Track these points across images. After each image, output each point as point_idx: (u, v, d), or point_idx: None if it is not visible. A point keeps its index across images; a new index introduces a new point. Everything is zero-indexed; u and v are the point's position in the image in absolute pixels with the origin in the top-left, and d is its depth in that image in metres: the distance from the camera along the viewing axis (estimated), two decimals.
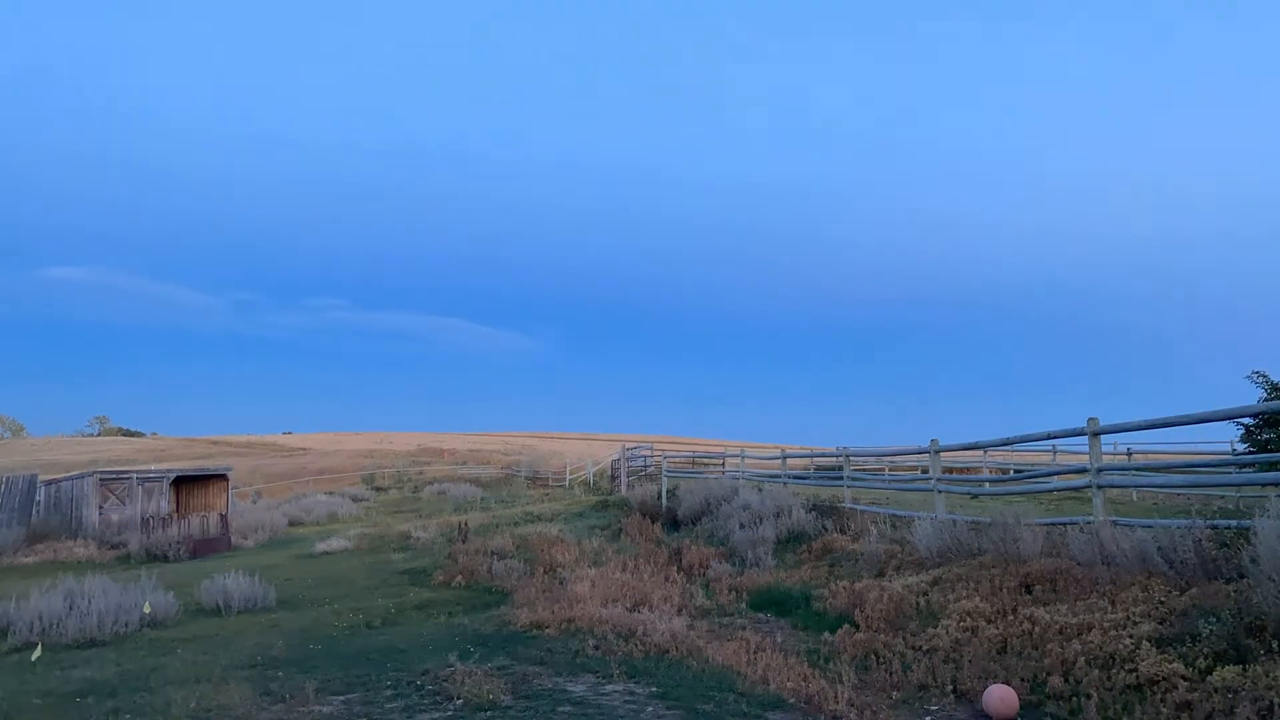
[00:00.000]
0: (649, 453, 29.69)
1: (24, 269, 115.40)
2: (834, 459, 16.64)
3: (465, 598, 9.55)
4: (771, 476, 16.12)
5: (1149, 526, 6.38)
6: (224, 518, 20.17)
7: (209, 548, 17.97)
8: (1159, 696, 4.15)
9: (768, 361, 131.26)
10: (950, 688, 4.97)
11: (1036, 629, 5.36)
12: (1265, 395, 12.12)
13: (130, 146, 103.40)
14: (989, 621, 5.77)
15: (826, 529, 11.25)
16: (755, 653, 6.02)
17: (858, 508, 11.83)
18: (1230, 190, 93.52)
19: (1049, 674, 4.76)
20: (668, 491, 17.22)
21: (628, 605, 7.85)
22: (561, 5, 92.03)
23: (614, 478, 27.39)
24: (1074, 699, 4.42)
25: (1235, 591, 4.87)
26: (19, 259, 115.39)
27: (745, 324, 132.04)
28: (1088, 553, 6.44)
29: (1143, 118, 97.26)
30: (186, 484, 22.69)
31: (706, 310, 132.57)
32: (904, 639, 6.00)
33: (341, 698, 5.26)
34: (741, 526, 12.11)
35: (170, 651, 7.13)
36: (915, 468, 20.55)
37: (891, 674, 5.33)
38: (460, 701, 5.03)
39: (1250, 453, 12.04)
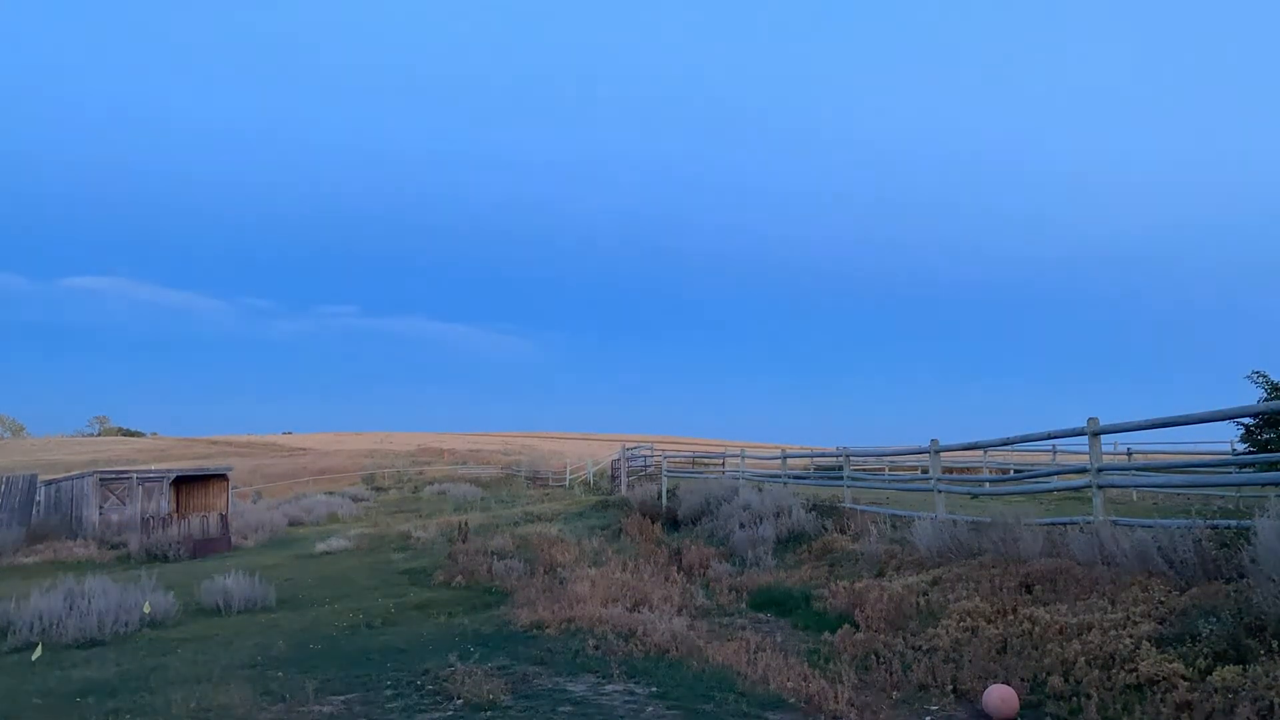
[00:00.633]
0: (649, 453, 29.70)
1: (46, 278, 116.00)
2: (834, 459, 16.65)
3: (465, 598, 9.55)
4: (771, 476, 16.12)
5: (1149, 526, 6.38)
6: (224, 518, 20.17)
7: (209, 548, 17.96)
8: (1159, 696, 4.15)
9: (767, 361, 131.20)
10: (950, 688, 4.97)
11: (1036, 629, 5.36)
12: (1265, 395, 12.12)
13: (150, 156, 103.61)
14: (989, 621, 5.77)
15: (826, 529, 11.25)
16: (755, 653, 6.02)
17: (858, 508, 11.83)
18: (1230, 188, 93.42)
19: (1049, 674, 4.76)
20: (668, 491, 17.22)
21: (628, 605, 7.85)
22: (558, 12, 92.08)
23: (614, 478, 27.40)
24: (1074, 699, 4.42)
25: (1235, 591, 4.87)
26: (42, 268, 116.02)
27: (745, 323, 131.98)
28: (1088, 553, 6.44)
29: (1137, 112, 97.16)
30: (186, 484, 22.69)
31: (706, 309, 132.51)
32: (904, 639, 6.00)
33: (341, 698, 5.26)
34: (741, 526, 12.11)
35: (170, 651, 7.13)
36: (915, 468, 20.55)
37: (891, 674, 5.33)
38: (460, 701, 5.03)
39: (1250, 453, 12.04)
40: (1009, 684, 4.66)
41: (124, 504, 20.44)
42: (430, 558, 12.82)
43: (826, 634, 6.62)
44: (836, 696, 4.84)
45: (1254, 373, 12.55)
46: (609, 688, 5.33)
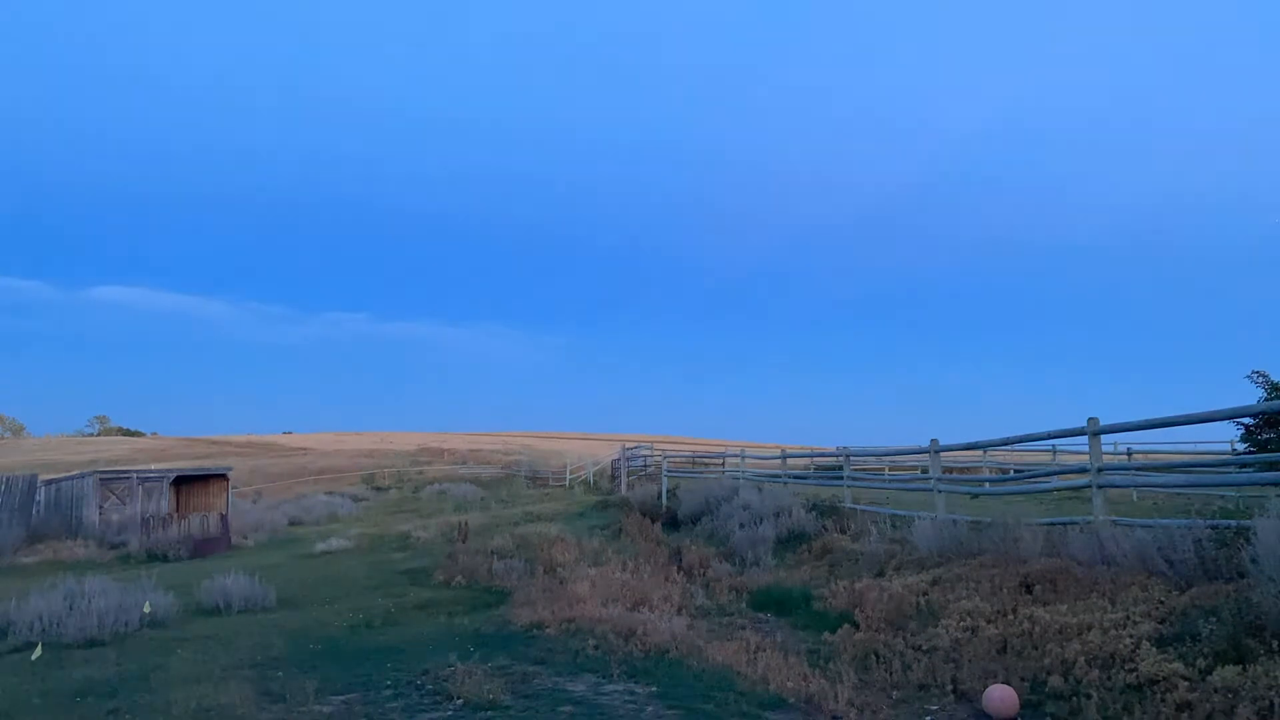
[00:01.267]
0: (649, 453, 29.70)
1: (72, 289, 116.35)
2: (834, 459, 16.65)
3: (465, 598, 9.55)
4: (771, 476, 16.12)
5: (1149, 526, 6.38)
6: (224, 518, 20.17)
7: (209, 548, 17.96)
8: (1159, 696, 4.15)
9: (768, 360, 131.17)
10: (950, 687, 4.97)
11: (1036, 629, 5.35)
12: (1265, 395, 12.13)
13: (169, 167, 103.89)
14: (989, 621, 5.77)
15: (826, 529, 11.25)
16: (755, 653, 6.02)
17: (858, 508, 11.83)
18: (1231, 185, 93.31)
19: (1049, 674, 4.76)
20: (668, 491, 17.22)
21: (628, 605, 7.85)
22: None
23: (614, 478, 27.40)
24: (1074, 699, 4.42)
25: (1235, 591, 4.87)
26: (68, 279, 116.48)
27: (745, 323, 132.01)
28: (1088, 553, 6.44)
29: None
30: (186, 484, 22.69)
31: (707, 310, 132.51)
32: (904, 639, 6.00)
33: (341, 698, 5.27)
34: (741, 526, 12.11)
35: (170, 651, 7.13)
36: (915, 468, 20.54)
37: (891, 674, 5.33)
38: (460, 701, 5.03)
39: (1250, 452, 12.05)
40: (1009, 684, 4.66)
41: (124, 504, 20.44)
42: (430, 558, 12.82)
43: (826, 634, 6.62)
44: (836, 696, 4.85)
45: (1254, 372, 12.57)
46: (609, 688, 5.34)
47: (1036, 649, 5.13)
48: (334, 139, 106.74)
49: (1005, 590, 6.32)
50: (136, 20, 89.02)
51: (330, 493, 31.32)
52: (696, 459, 28.61)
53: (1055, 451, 20.84)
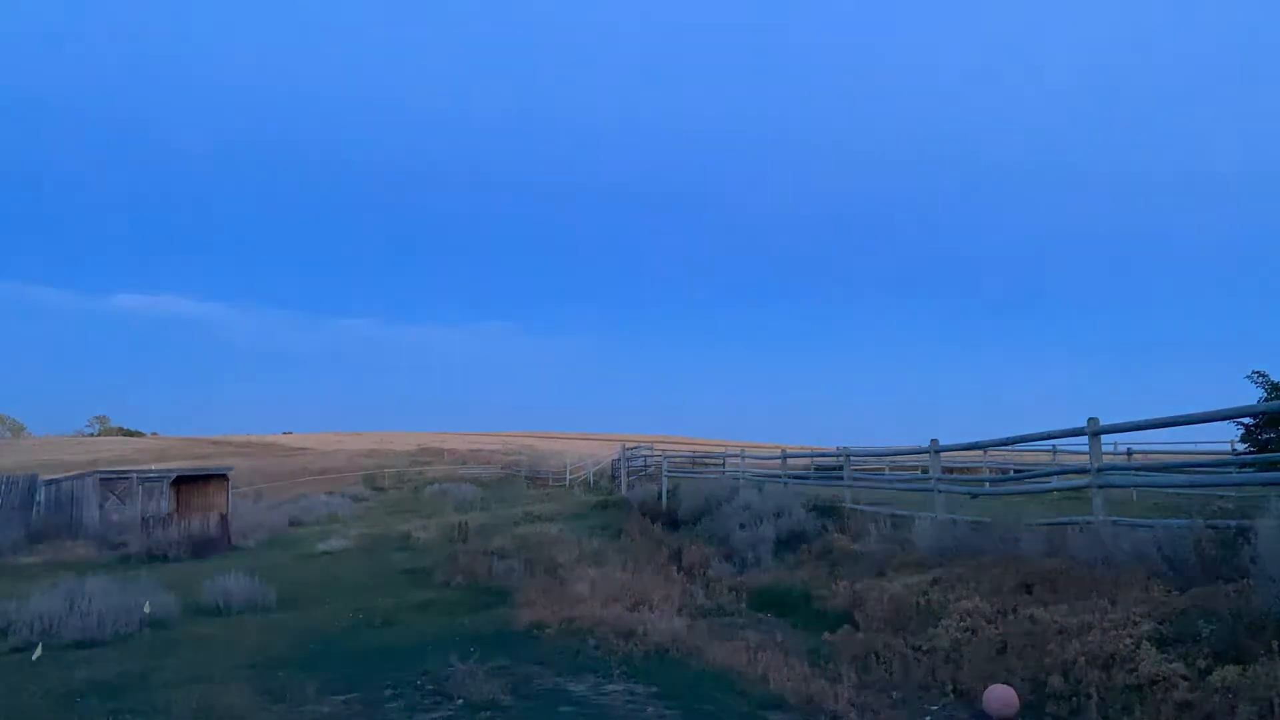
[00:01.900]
0: (649, 453, 29.69)
1: (94, 296, 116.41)
2: (834, 459, 16.65)
3: (465, 598, 9.55)
4: (772, 476, 16.12)
5: (1149, 526, 6.38)
6: (224, 518, 20.17)
7: (209, 548, 17.95)
8: (1159, 696, 4.15)
9: (768, 360, 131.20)
10: (950, 688, 4.97)
11: (1037, 629, 5.35)
12: (1265, 395, 12.13)
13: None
14: (989, 621, 5.77)
15: (827, 529, 11.25)
16: (755, 653, 6.02)
17: (858, 508, 11.82)
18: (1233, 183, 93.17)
19: (1049, 674, 4.76)
20: (668, 491, 17.22)
21: (628, 605, 7.86)
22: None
23: (614, 478, 27.40)
24: (1074, 699, 4.43)
25: (1235, 591, 4.87)
26: (90, 286, 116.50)
27: (744, 322, 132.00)
28: (1088, 553, 6.44)
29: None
30: (186, 484, 22.69)
31: (707, 309, 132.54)
32: (904, 639, 6.00)
33: (341, 697, 5.27)
34: (741, 526, 12.11)
35: (171, 651, 7.14)
36: (915, 467, 20.53)
37: (892, 674, 5.33)
38: (460, 701, 5.04)
39: (1250, 453, 12.05)
40: (1009, 684, 4.66)
41: (124, 504, 20.44)
42: (431, 558, 12.82)
43: (826, 634, 6.62)
44: (836, 696, 4.85)
45: (1254, 373, 12.58)
46: (609, 687, 5.34)
47: (1037, 649, 5.13)
48: (333, 139, 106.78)
49: (1005, 590, 6.32)
50: (137, 26, 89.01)
51: (330, 493, 31.29)
52: (696, 459, 28.60)
53: (1055, 451, 20.83)
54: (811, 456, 21.46)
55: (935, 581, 7.16)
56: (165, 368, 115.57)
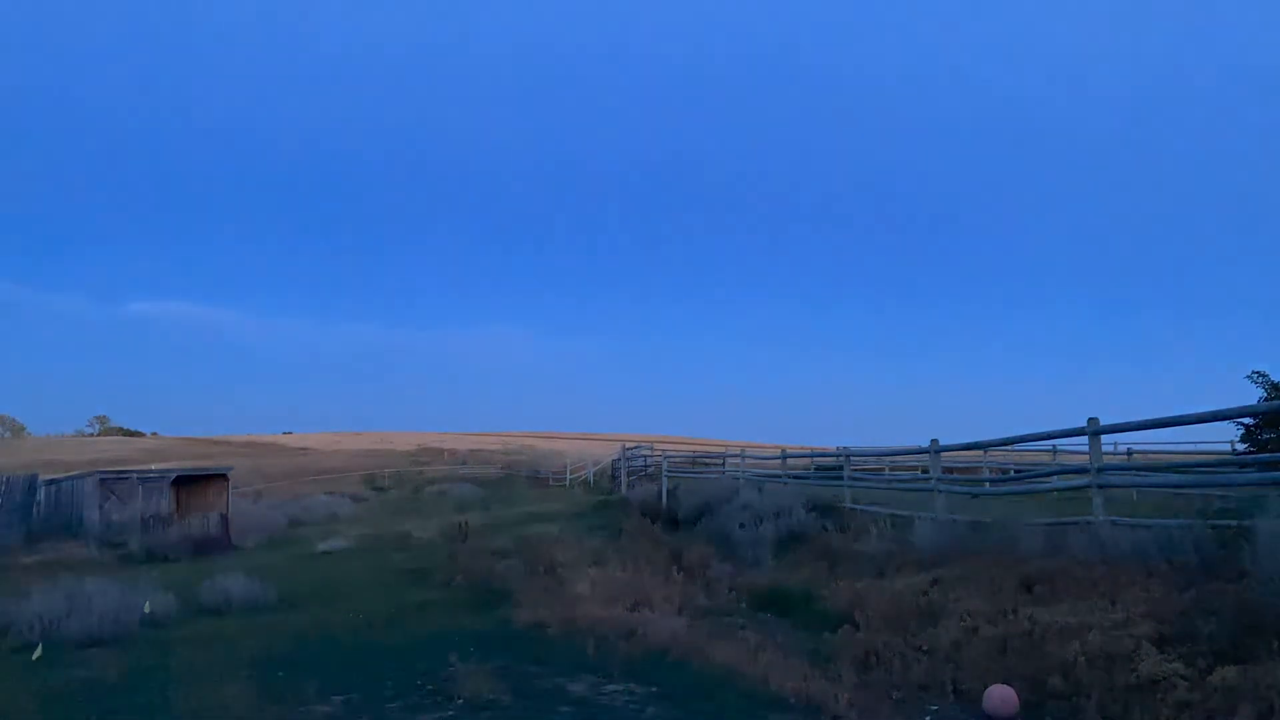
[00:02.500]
0: (649, 453, 29.67)
1: (110, 303, 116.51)
2: (834, 459, 16.64)
3: (466, 598, 9.55)
4: (771, 476, 16.12)
5: (1149, 526, 6.38)
6: (224, 518, 20.17)
7: (209, 548, 17.95)
8: (1159, 696, 4.15)
9: (768, 360, 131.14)
10: (950, 688, 4.97)
11: (1036, 629, 5.35)
12: (1265, 395, 12.13)
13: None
14: (989, 621, 5.77)
15: (827, 529, 11.25)
16: (755, 653, 6.02)
17: (858, 508, 11.82)
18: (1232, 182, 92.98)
19: (1049, 674, 4.76)
20: (668, 491, 17.22)
21: (628, 605, 7.86)
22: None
23: (614, 478, 27.41)
24: (1074, 699, 4.43)
25: (1235, 591, 4.87)
26: (106, 294, 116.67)
27: (744, 322, 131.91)
28: (1088, 553, 6.44)
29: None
30: (187, 484, 22.68)
31: (706, 309, 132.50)
32: (904, 639, 5.99)
33: (341, 697, 5.27)
34: (741, 526, 12.10)
35: (171, 651, 7.13)
36: (915, 467, 20.52)
37: (892, 674, 5.33)
38: (461, 701, 5.04)
39: (1250, 452, 12.05)
40: (1009, 684, 4.66)
41: (124, 504, 20.42)
42: (431, 558, 12.81)
43: (827, 634, 6.62)
44: (837, 696, 4.85)
45: (1254, 373, 12.57)
46: (609, 688, 5.34)
47: (1037, 649, 5.13)
48: (334, 139, 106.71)
49: (1005, 590, 6.32)
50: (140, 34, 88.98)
51: (330, 493, 31.30)
52: (696, 459, 28.60)
53: (1055, 451, 20.83)
54: (811, 456, 21.45)
55: (935, 581, 7.16)
56: (165, 368, 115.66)
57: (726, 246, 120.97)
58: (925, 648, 5.69)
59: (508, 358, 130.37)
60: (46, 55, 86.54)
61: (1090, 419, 7.33)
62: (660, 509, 16.10)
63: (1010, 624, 5.59)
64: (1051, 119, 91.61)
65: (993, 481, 12.38)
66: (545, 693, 5.23)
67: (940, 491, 9.83)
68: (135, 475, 21.55)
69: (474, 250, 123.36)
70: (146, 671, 6.25)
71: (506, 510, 20.98)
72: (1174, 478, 8.63)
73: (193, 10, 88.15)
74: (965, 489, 11.84)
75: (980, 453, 19.01)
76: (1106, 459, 13.29)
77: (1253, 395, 12.32)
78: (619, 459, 27.49)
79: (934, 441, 10.09)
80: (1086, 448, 7.59)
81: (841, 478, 13.18)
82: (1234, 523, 5.88)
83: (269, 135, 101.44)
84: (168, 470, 23.82)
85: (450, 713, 4.89)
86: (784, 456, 17.45)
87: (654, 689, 5.26)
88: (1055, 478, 10.36)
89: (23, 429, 69.40)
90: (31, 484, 20.54)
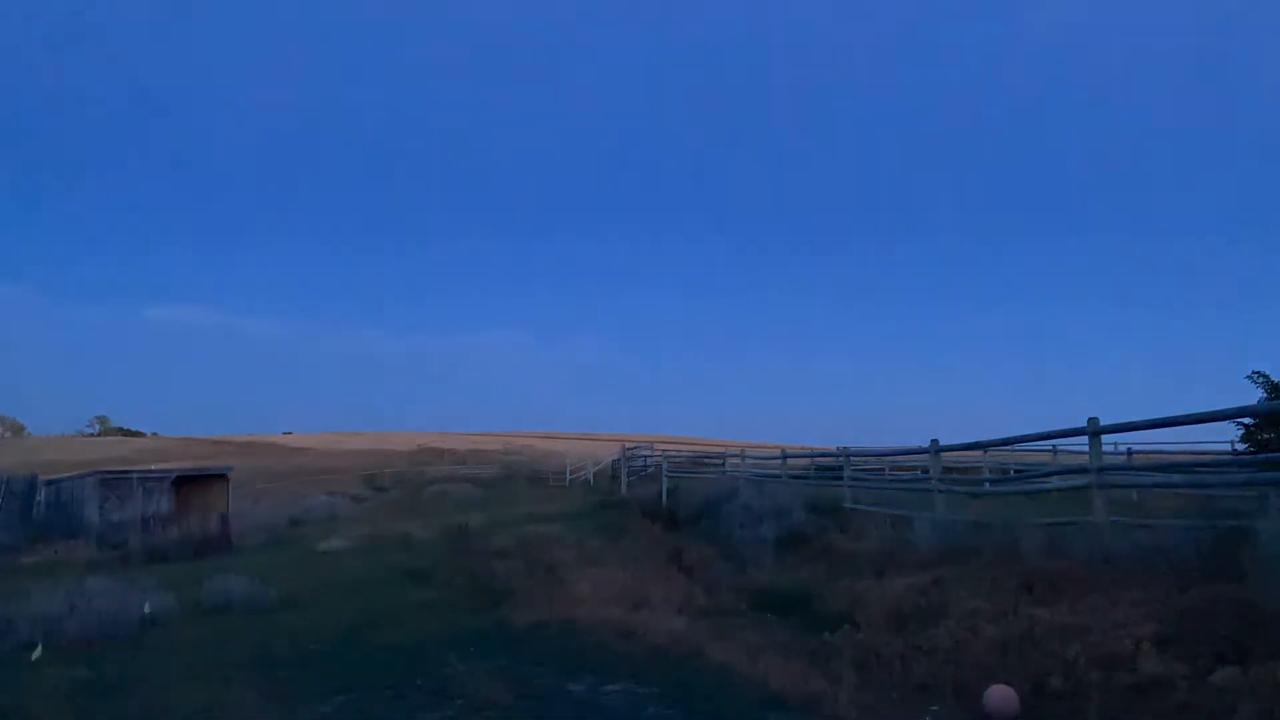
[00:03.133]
0: (649, 453, 29.68)
1: (128, 309, 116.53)
2: (834, 459, 16.64)
3: (465, 598, 9.55)
4: (771, 476, 16.12)
5: (1149, 526, 6.38)
6: (224, 518, 20.18)
7: (210, 548, 17.95)
8: (1159, 697, 4.15)
9: (768, 360, 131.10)
10: (950, 688, 4.97)
11: (1037, 629, 5.35)
12: (1265, 395, 12.13)
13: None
14: (989, 621, 5.76)
15: (827, 529, 11.24)
16: (755, 653, 6.02)
17: (858, 508, 11.82)
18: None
19: (1049, 674, 4.76)
20: (668, 491, 17.21)
21: (628, 605, 7.86)
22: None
23: (614, 478, 27.41)
24: (1075, 699, 4.42)
25: (1235, 591, 4.87)
26: (124, 300, 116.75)
27: (744, 322, 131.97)
28: (1088, 553, 6.44)
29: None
30: (187, 484, 22.70)
31: (707, 309, 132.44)
32: (904, 639, 5.99)
33: (341, 697, 5.27)
34: (741, 526, 12.10)
35: (171, 651, 7.14)
36: (915, 467, 20.52)
37: (892, 674, 5.33)
38: (461, 701, 5.04)
39: (1250, 453, 12.05)
40: (1009, 684, 4.66)
41: (124, 504, 20.43)
42: (431, 558, 12.81)
43: (826, 634, 6.61)
44: (837, 696, 4.85)
45: (1254, 373, 12.58)
46: (609, 688, 5.34)
47: (1037, 649, 5.12)
48: (332, 139, 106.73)
49: (1005, 590, 6.31)
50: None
51: (330, 493, 31.29)
52: (697, 459, 28.60)
53: (1056, 451, 20.82)
54: (811, 456, 21.45)
55: (935, 581, 7.16)
56: (166, 368, 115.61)
57: (727, 246, 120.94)
58: (925, 648, 5.69)
59: (508, 358, 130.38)
60: (45, 56, 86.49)
61: (1090, 419, 7.33)
62: (660, 509, 16.10)
63: (1010, 624, 5.59)
64: (1054, 119, 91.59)
65: (993, 481, 12.38)
66: (545, 693, 5.23)
67: (940, 491, 9.83)
68: (135, 475, 21.57)
69: (473, 250, 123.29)
70: (146, 672, 6.26)
71: (506, 510, 20.96)
72: (1174, 478, 8.62)
73: (190, 9, 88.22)
74: (965, 489, 11.85)
75: (980, 453, 19.01)
76: (1106, 459, 13.30)
77: (1253, 395, 12.33)
78: (619, 459, 27.50)
79: (934, 441, 10.09)
80: (1086, 448, 7.59)
81: (841, 478, 13.19)
82: (1234, 523, 5.88)
83: (268, 134, 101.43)
84: (168, 470, 23.84)
85: (450, 713, 4.89)
86: (784, 456, 17.46)
87: (654, 689, 5.26)
88: (1055, 478, 10.37)
89: (23, 429, 69.42)
90: (31, 484, 20.55)
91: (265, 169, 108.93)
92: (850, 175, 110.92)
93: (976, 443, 10.75)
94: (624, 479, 24.73)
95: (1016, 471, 17.15)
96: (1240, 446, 13.15)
